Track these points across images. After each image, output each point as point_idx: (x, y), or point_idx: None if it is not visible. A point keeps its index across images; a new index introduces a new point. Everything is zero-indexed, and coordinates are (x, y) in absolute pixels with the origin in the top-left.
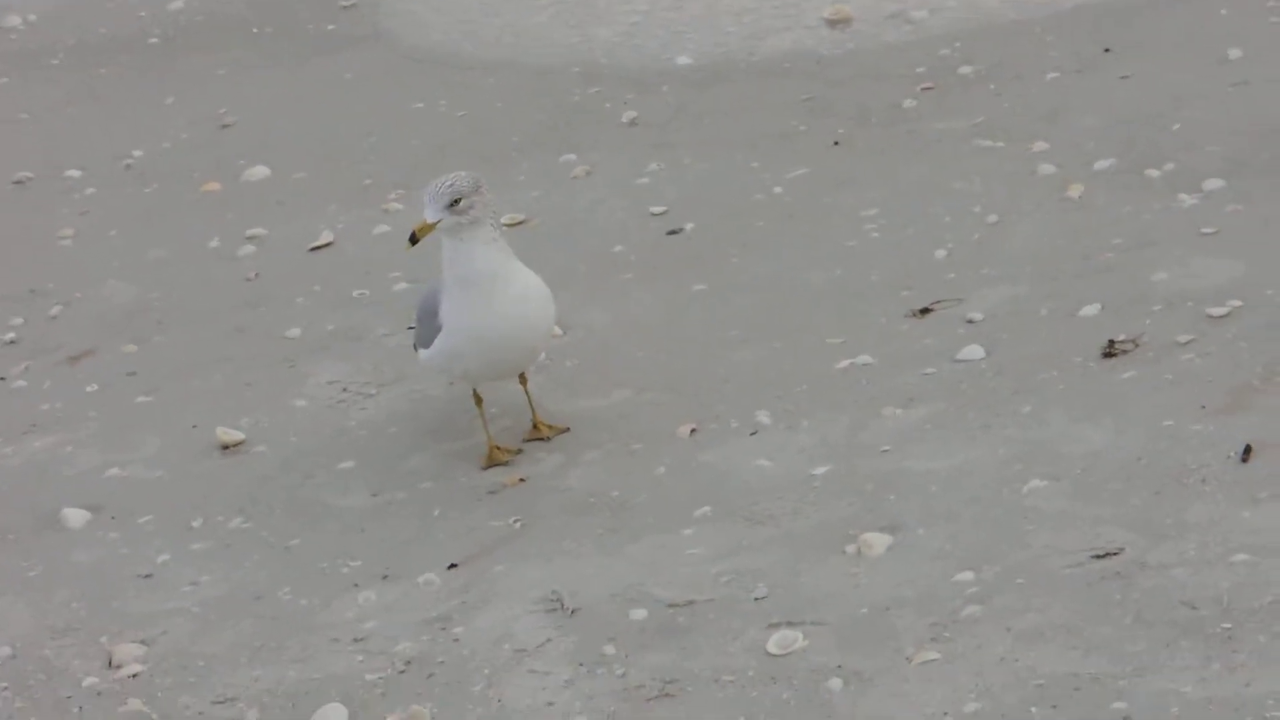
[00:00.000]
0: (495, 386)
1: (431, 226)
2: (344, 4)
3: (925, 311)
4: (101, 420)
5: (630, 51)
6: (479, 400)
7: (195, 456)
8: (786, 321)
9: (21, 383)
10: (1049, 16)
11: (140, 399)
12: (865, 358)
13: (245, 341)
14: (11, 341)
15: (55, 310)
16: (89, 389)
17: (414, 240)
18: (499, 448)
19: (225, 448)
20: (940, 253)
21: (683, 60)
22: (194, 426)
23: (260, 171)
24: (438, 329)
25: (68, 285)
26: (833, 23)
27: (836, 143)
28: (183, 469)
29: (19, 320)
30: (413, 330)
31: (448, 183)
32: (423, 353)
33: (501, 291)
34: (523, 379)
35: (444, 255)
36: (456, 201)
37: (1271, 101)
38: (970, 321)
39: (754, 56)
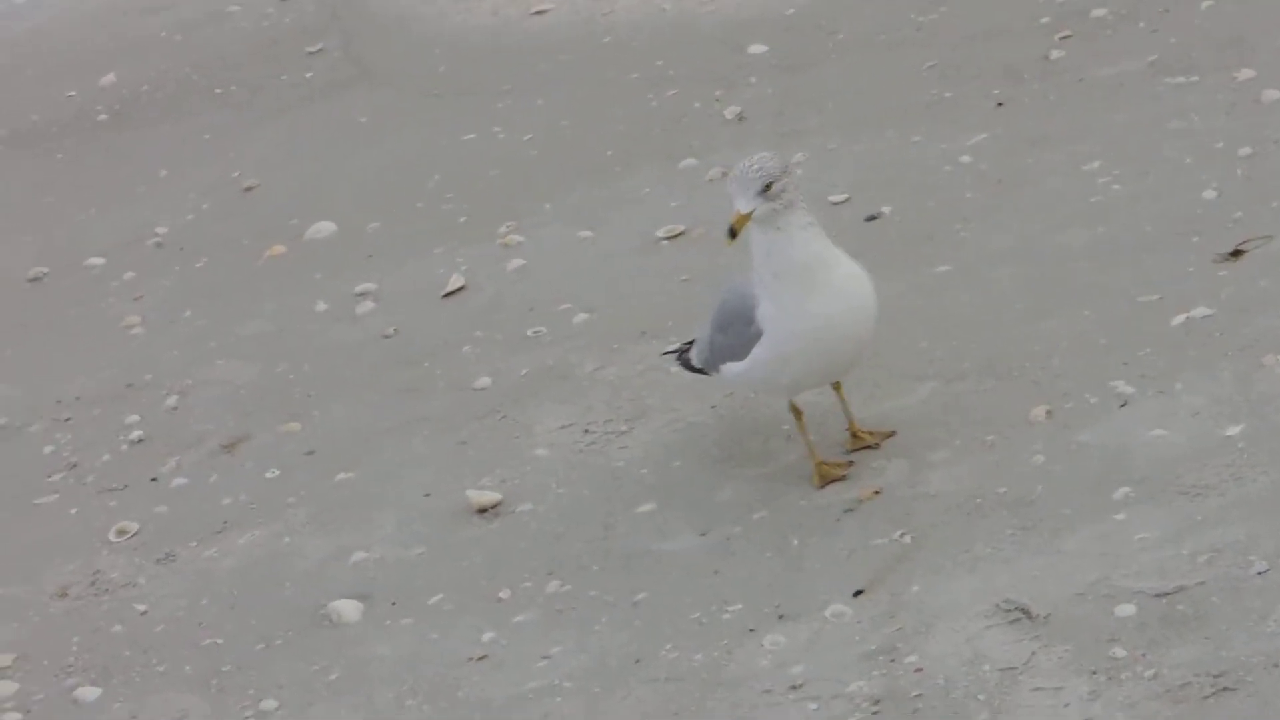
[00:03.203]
0: (769, 404)
1: (748, 217)
2: (310, 50)
3: (1237, 254)
4: (307, 505)
5: (691, 47)
6: (799, 413)
7: (450, 525)
8: (1076, 287)
9: (181, 480)
10: None
11: (340, 476)
12: (1201, 309)
13: (427, 400)
14: (140, 440)
15: (171, 401)
16: (268, 475)
17: (733, 234)
18: (828, 463)
19: (482, 511)
20: (1209, 194)
21: (755, 49)
22: (427, 495)
23: (325, 228)
24: (755, 336)
25: (168, 374)
26: None
27: (1000, 104)
28: (445, 540)
29: (135, 417)
30: (681, 352)
31: (755, 167)
32: (733, 367)
33: (828, 280)
34: (837, 384)
35: (755, 250)
36: (769, 186)
37: None
38: None
39: (838, 35)
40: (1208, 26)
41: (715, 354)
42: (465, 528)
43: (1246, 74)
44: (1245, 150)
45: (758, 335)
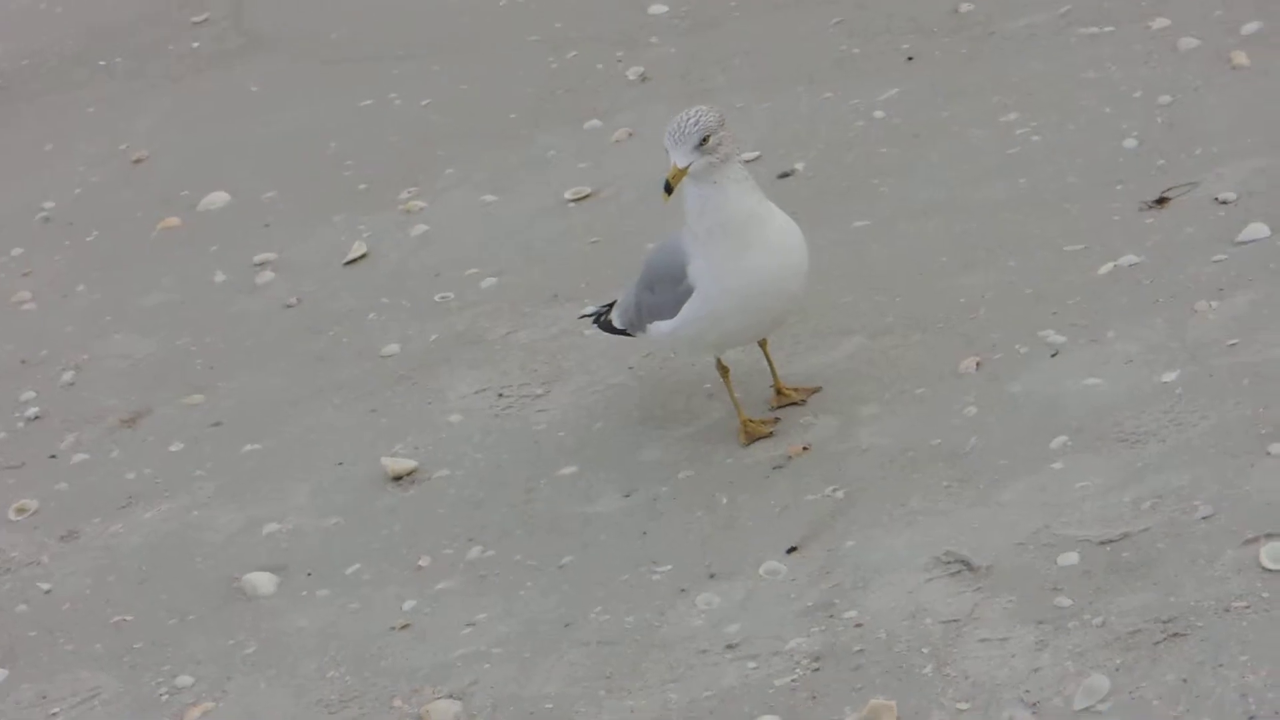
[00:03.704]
0: (690, 365)
1: (684, 171)
2: (196, 20)
3: (1161, 201)
4: (215, 478)
5: (590, 8)
6: (725, 370)
7: (367, 494)
8: (1001, 238)
9: (82, 456)
10: None
11: (248, 447)
12: (1129, 258)
13: (336, 369)
14: (36, 417)
15: (68, 376)
16: (172, 449)
17: (669, 190)
18: (754, 421)
19: (398, 479)
20: (1129, 143)
21: (656, 9)
22: (340, 464)
23: (219, 199)
24: (685, 294)
25: (63, 349)
26: None
27: (910, 58)
28: (361, 509)
29: (31, 394)
30: (599, 315)
31: (691, 120)
32: (661, 326)
33: (762, 234)
34: (763, 340)
35: (689, 206)
36: (705, 140)
37: None
38: (1223, 202)
39: None
40: None
41: (642, 313)
42: (381, 496)
43: (1161, 23)
44: (1164, 99)
45: (688, 292)
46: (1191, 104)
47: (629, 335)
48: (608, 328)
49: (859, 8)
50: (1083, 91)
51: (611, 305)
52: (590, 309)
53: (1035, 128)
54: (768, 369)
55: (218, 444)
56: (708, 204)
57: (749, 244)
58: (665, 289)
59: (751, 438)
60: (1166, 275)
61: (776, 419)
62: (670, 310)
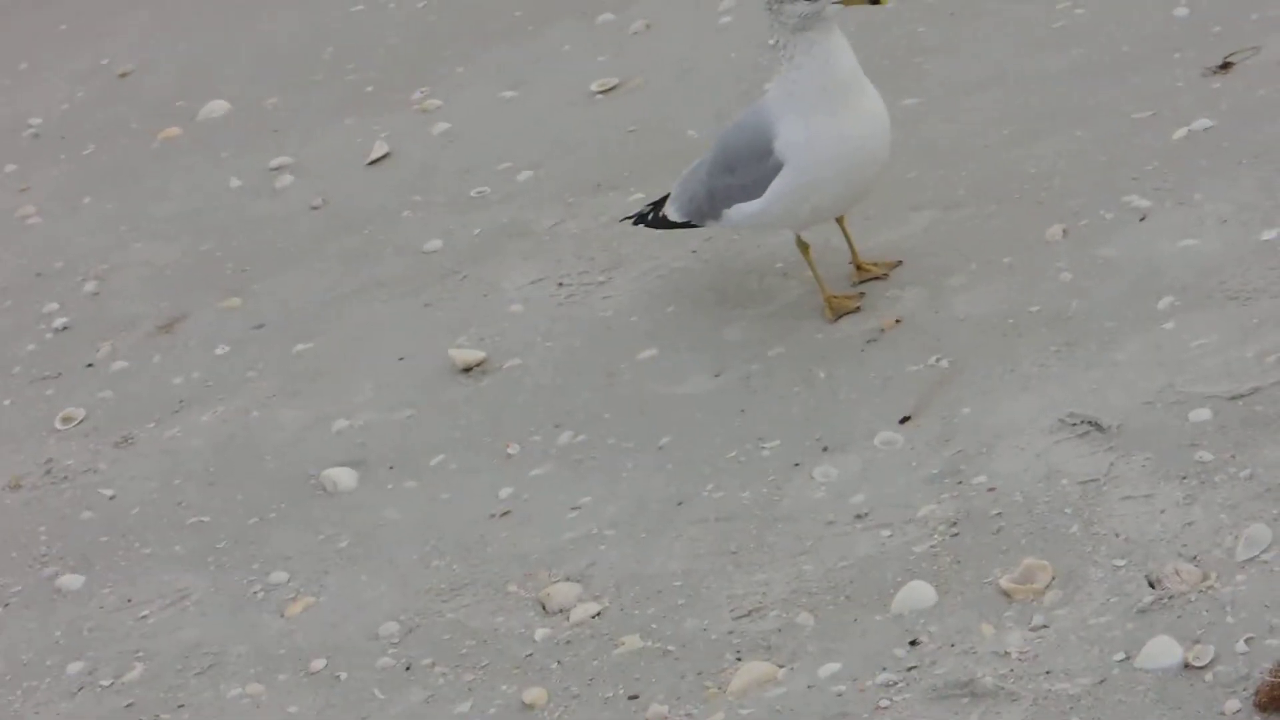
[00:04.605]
0: (757, 244)
1: None
2: None
3: (1225, 66)
4: (270, 378)
5: None
6: (806, 248)
7: (435, 385)
8: (1062, 109)
9: (121, 363)
10: None
11: (299, 347)
12: (1203, 121)
13: (377, 266)
14: (65, 328)
15: (90, 286)
16: (218, 352)
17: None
18: (839, 296)
19: (467, 370)
20: (1180, 11)
21: None
22: (401, 359)
23: (219, 107)
24: (773, 169)
25: (80, 260)
26: None
27: None
28: (432, 400)
29: (54, 305)
30: (644, 215)
31: None
32: (745, 207)
33: (860, 98)
34: (841, 216)
35: (791, 67)
36: None
37: None
38: None
39: None
40: None
41: (716, 199)
42: (452, 387)
43: None
44: None
45: (776, 168)
46: None
47: (690, 227)
48: (660, 224)
49: None
50: None
51: (658, 203)
52: (631, 213)
53: (1077, 1)
54: (843, 246)
55: (265, 345)
56: (824, 61)
57: (849, 106)
58: (749, 168)
59: (838, 313)
60: (1244, 137)
61: (861, 294)
62: (756, 189)
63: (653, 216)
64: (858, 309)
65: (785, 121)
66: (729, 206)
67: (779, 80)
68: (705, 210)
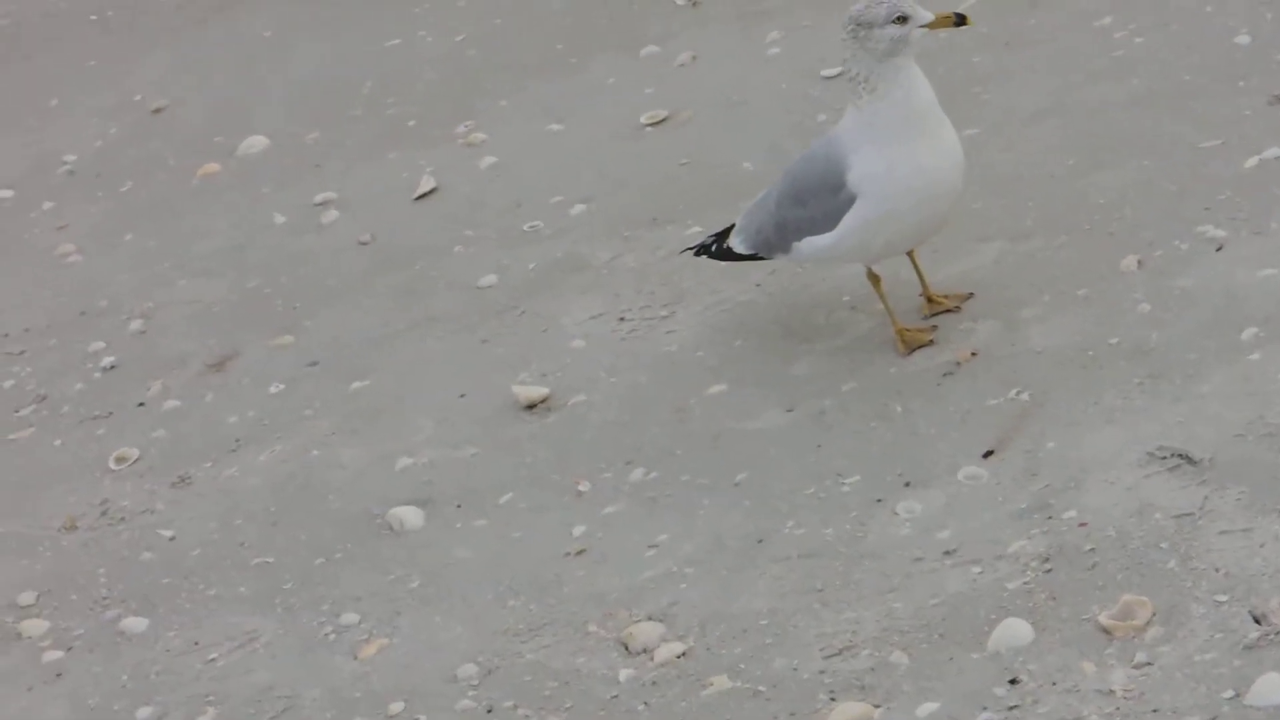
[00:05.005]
0: (824, 277)
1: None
2: None
3: None
4: (327, 416)
5: None
6: (877, 280)
7: (499, 423)
8: (1126, 138)
9: (173, 402)
10: None
11: (355, 384)
12: (1274, 149)
13: (430, 301)
14: (113, 366)
15: (136, 325)
16: (272, 390)
17: (963, 20)
18: (911, 329)
19: (531, 407)
20: (1241, 39)
21: None
22: (462, 396)
23: (258, 142)
24: (846, 202)
25: (124, 298)
26: None
27: None
28: (497, 438)
29: (100, 344)
30: (707, 246)
31: None
32: (817, 241)
33: (939, 128)
34: (912, 249)
35: (872, 98)
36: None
37: None
38: None
39: None
40: None
41: (787, 232)
42: (516, 424)
43: None
44: None
45: (849, 201)
46: None
47: (756, 259)
48: (725, 255)
49: None
50: None
51: (722, 235)
52: (693, 244)
53: (1134, 30)
54: (913, 279)
55: (319, 383)
56: (904, 91)
57: (927, 136)
58: (821, 200)
59: (911, 346)
60: None
61: (934, 326)
62: (828, 223)
63: (716, 248)
64: (931, 342)
65: (861, 154)
66: (799, 239)
67: (855, 111)
68: (774, 243)
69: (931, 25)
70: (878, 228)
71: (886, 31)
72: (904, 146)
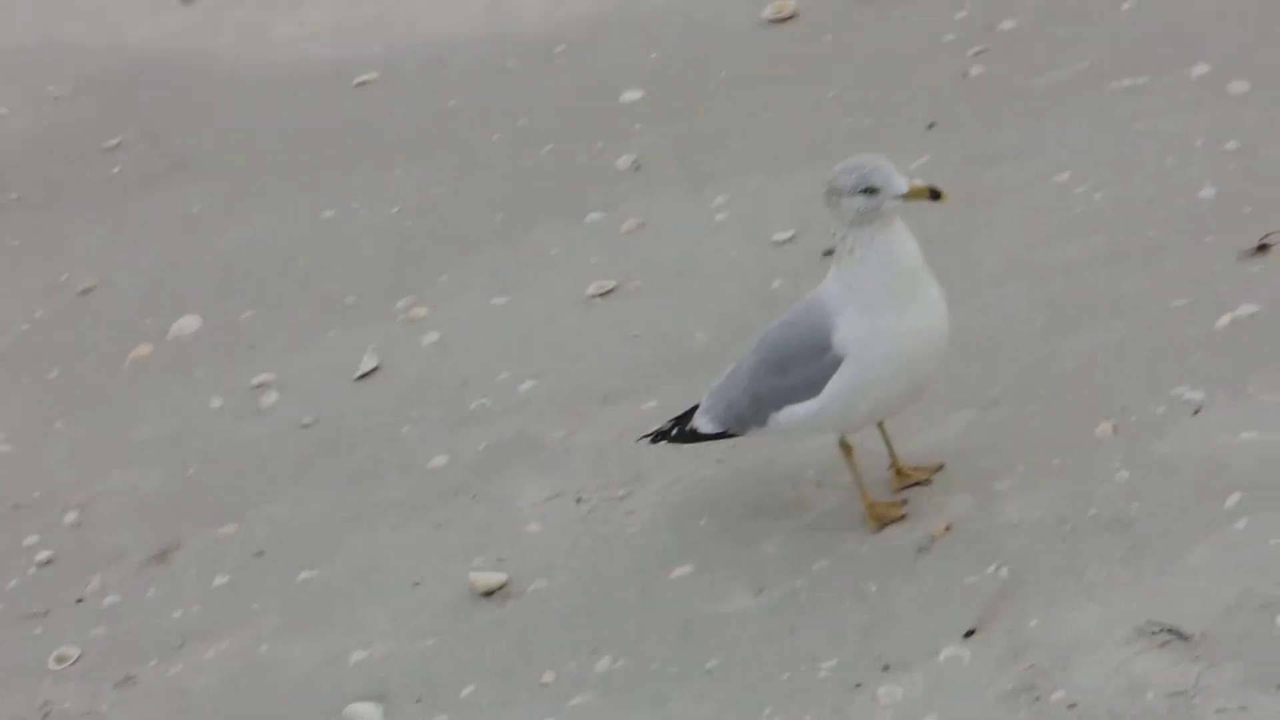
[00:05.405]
0: (788, 451)
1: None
2: (108, 145)
3: (1263, 248)
4: (275, 610)
5: (553, 101)
6: (850, 450)
7: (457, 612)
8: (1094, 298)
9: (112, 597)
10: None
11: (304, 575)
12: (1247, 308)
13: (378, 487)
14: (49, 561)
15: (71, 517)
16: (217, 582)
17: (938, 195)
18: (882, 504)
19: (488, 594)
20: (1206, 192)
21: (629, 96)
22: (416, 584)
23: (190, 323)
24: (830, 366)
25: (57, 490)
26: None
27: (932, 124)
28: (455, 628)
29: (34, 538)
30: (665, 433)
31: (874, 163)
32: (798, 410)
33: (926, 288)
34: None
35: (853, 262)
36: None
37: None
38: None
39: (720, 74)
40: (1137, 27)
41: (763, 405)
42: (474, 613)
43: (1201, 69)
44: (1231, 145)
45: (834, 364)
46: (1262, 147)
47: (728, 437)
48: (689, 438)
49: (855, 78)
50: (1137, 144)
51: (681, 419)
52: (649, 431)
53: (1095, 185)
54: (880, 450)
55: (266, 574)
56: (889, 253)
57: (914, 299)
58: (803, 367)
59: (882, 522)
60: None
61: (905, 500)
62: (810, 390)
63: (678, 432)
64: (902, 517)
65: (845, 315)
66: (778, 410)
67: (837, 273)
68: (748, 418)
69: (906, 197)
70: (863, 392)
71: (854, 202)
72: (888, 308)
